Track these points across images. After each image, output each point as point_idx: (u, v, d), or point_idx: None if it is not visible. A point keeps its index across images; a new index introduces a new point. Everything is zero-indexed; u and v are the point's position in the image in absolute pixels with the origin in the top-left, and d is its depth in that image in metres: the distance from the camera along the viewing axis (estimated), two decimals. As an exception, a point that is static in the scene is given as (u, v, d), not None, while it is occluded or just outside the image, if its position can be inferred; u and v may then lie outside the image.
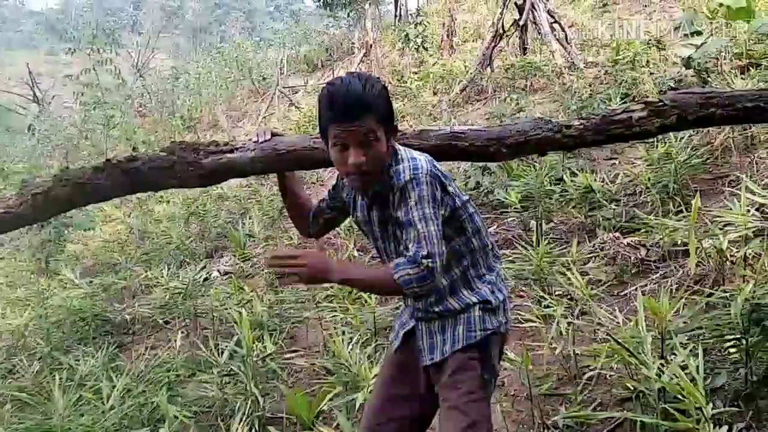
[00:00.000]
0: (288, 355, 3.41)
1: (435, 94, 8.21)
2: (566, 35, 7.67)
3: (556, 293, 2.85)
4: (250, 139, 1.85)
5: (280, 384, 2.95)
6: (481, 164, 4.76)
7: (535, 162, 4.67)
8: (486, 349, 1.54)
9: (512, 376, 2.56)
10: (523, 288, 3.15)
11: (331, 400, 2.60)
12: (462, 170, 4.87)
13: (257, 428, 2.45)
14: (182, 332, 3.83)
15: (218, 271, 5.26)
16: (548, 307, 2.51)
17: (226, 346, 3.02)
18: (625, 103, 4.92)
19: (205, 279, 4.90)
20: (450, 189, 1.53)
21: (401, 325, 1.69)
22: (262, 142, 1.80)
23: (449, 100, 7.40)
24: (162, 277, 4.71)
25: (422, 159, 1.50)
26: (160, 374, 3.24)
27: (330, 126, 1.46)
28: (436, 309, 1.58)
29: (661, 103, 1.90)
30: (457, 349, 1.53)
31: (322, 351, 3.32)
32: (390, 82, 9.53)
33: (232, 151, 1.80)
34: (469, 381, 1.51)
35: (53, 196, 1.75)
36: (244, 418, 2.43)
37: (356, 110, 1.42)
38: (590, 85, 6.03)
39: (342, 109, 1.43)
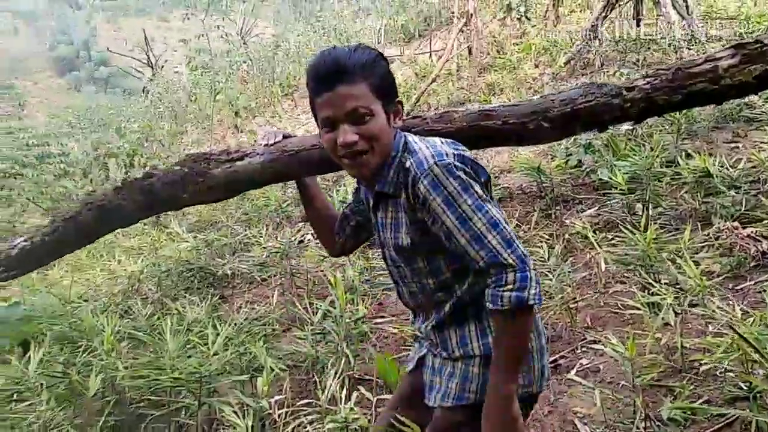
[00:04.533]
0: (377, 321, 3.49)
1: (536, 66, 7.89)
2: (687, 5, 7.06)
3: (663, 282, 2.69)
4: (260, 144, 1.68)
5: (370, 347, 3.03)
6: (583, 141, 4.55)
7: (645, 141, 4.39)
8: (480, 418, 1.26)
9: (609, 363, 2.48)
10: (626, 274, 3.00)
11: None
12: (563, 147, 4.68)
13: (348, 386, 2.53)
14: (278, 290, 4.03)
15: (312, 235, 5.44)
16: (655, 294, 2.38)
17: (320, 306, 3.13)
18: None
19: (300, 242, 5.10)
20: (482, 179, 1.24)
21: (419, 347, 1.51)
22: (270, 145, 1.62)
23: (552, 73, 7.08)
24: (260, 236, 4.96)
25: (441, 142, 1.26)
26: (257, 327, 3.43)
27: (316, 102, 1.24)
28: (434, 338, 1.35)
29: (757, 45, 1.45)
30: (444, 406, 1.31)
31: (411, 320, 3.36)
32: (489, 54, 9.27)
33: (242, 158, 1.64)
34: None
35: (81, 221, 1.66)
36: (336, 376, 2.52)
37: (340, 74, 1.18)
38: (712, 61, 5.53)
39: (325, 75, 1.20)
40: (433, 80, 8.13)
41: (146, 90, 16.90)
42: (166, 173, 1.63)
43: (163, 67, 18.75)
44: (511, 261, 1.14)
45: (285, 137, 1.62)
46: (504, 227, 1.17)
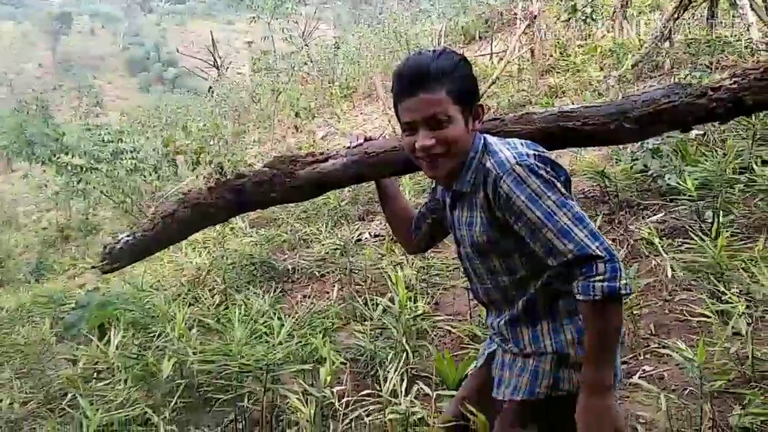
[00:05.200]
0: (434, 318, 3.53)
1: (601, 69, 7.70)
2: (766, 6, 6.73)
3: (734, 291, 2.61)
4: (344, 146, 1.76)
5: (428, 344, 3.07)
6: (650, 145, 4.43)
7: (717, 147, 4.24)
8: (550, 414, 1.30)
9: (674, 370, 2.43)
10: (693, 281, 2.92)
11: (476, 367, 2.67)
12: (629, 151, 4.57)
13: (407, 381, 2.58)
14: (337, 285, 4.13)
15: (369, 233, 5.53)
16: (725, 303, 2.31)
17: (380, 302, 3.21)
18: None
19: (358, 240, 5.20)
20: (561, 179, 1.27)
21: (489, 343, 1.54)
22: (353, 148, 1.69)
23: (618, 75, 6.91)
24: (319, 233, 5.09)
25: (521, 144, 1.30)
26: (318, 320, 3.54)
27: (398, 106, 1.29)
28: (506, 334, 1.38)
29: None
30: (514, 399, 1.33)
31: (469, 319, 3.39)
32: (552, 56, 9.13)
33: (326, 160, 1.70)
34: None
35: (178, 218, 1.72)
36: (395, 370, 2.58)
37: (422, 81, 1.23)
38: (792, 64, 5.25)
39: (408, 82, 1.25)
40: (494, 82, 8.08)
41: (212, 90, 17.56)
42: (255, 174, 1.72)
43: (228, 68, 19.42)
44: (599, 252, 1.16)
45: (366, 140, 1.71)
46: (589, 222, 1.20)
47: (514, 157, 1.24)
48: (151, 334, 3.56)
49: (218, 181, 1.70)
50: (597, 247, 1.17)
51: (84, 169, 10.39)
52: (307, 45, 16.22)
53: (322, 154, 1.72)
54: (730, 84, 1.48)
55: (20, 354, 4.00)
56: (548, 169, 1.24)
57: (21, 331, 4.20)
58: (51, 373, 3.55)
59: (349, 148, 1.70)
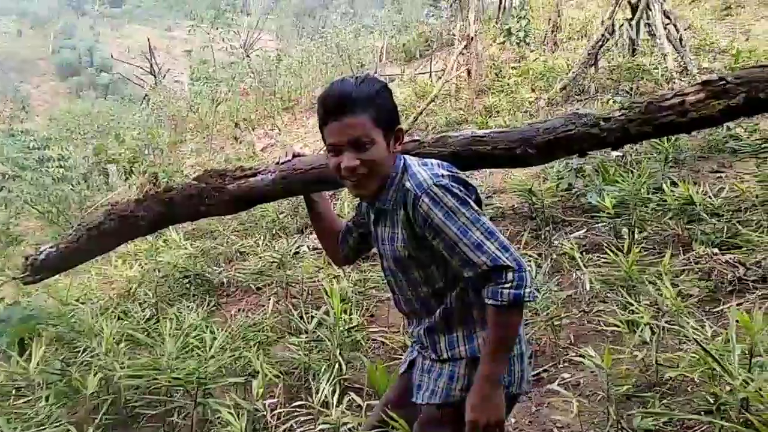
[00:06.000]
0: (369, 330, 3.59)
1: (533, 91, 8.09)
2: (681, 38, 7.30)
3: (643, 302, 2.82)
4: (273, 162, 1.81)
5: (362, 355, 3.13)
6: (575, 165, 4.71)
7: (633, 168, 4.55)
8: (464, 415, 1.36)
9: (589, 377, 2.59)
10: (608, 294, 3.13)
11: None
12: (555, 170, 4.83)
13: (339, 392, 2.62)
14: (273, 298, 4.12)
15: (307, 246, 5.54)
16: (634, 313, 2.50)
17: (315, 314, 3.24)
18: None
19: (296, 253, 5.20)
20: (473, 197, 1.38)
21: (411, 351, 1.62)
22: (282, 163, 1.73)
23: (547, 98, 7.28)
24: (257, 246, 5.06)
25: (436, 164, 1.39)
26: (252, 333, 3.52)
27: (324, 129, 1.36)
28: (425, 341, 1.47)
29: (721, 83, 1.61)
30: (432, 403, 1.43)
31: (402, 330, 3.47)
32: (488, 76, 9.48)
33: (255, 175, 1.75)
34: None
35: (105, 230, 1.73)
36: (328, 381, 2.62)
37: (346, 106, 1.30)
38: (702, 93, 5.72)
39: (332, 106, 1.32)
40: (432, 101, 8.32)
41: (147, 98, 17.04)
42: (185, 187, 1.74)
43: (165, 76, 18.92)
44: (510, 263, 1.28)
45: (295, 156, 1.76)
46: (499, 236, 1.32)
47: (431, 178, 1.33)
48: (77, 350, 3.43)
49: (147, 193, 1.71)
50: (507, 258, 1.29)
51: (6, 176, 9.84)
52: (248, 56, 16.07)
53: (251, 168, 1.76)
54: (619, 116, 1.66)
55: (-71, 372, 3.74)
56: (461, 188, 1.35)
57: (-70, 349, 3.93)
58: (-36, 392, 3.35)
59: (278, 163, 1.74)
